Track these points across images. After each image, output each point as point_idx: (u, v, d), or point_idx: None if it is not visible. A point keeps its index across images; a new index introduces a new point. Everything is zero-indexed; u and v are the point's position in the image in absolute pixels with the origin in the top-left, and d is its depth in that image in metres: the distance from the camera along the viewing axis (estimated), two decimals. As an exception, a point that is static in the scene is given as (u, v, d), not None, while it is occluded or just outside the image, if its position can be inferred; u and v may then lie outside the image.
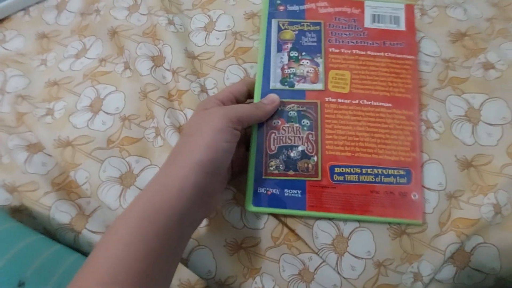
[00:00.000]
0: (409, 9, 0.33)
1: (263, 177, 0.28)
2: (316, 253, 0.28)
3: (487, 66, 0.33)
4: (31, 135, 0.33)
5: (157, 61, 0.35)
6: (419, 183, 0.28)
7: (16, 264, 0.24)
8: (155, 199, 0.21)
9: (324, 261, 0.28)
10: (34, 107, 0.34)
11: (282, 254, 0.29)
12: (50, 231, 0.30)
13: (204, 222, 0.30)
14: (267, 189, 0.28)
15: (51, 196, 0.30)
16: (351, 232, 0.28)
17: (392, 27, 0.32)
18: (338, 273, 0.28)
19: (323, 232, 0.29)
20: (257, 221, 0.29)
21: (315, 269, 0.28)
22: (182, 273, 0.29)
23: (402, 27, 0.32)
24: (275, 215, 0.29)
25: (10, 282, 0.23)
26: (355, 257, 0.28)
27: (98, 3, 0.39)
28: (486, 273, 0.28)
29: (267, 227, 0.29)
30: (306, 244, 0.29)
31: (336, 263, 0.28)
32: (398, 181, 0.28)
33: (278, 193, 0.28)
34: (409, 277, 0.28)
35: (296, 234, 0.29)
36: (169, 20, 0.36)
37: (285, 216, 0.29)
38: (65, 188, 0.31)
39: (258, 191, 0.28)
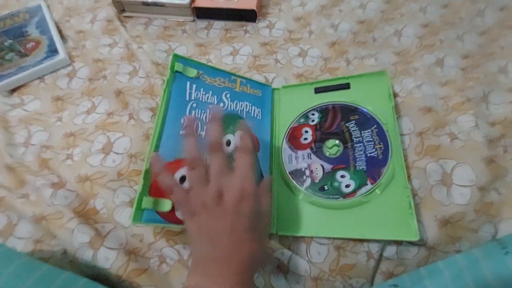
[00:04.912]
0: None
1: None
2: (288, 248, 0.36)
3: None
4: (53, 176, 0.40)
5: (155, 110, 0.45)
6: None
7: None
8: None
9: (293, 252, 0.36)
10: (56, 154, 0.42)
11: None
12: (70, 252, 0.36)
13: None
14: None
15: (74, 221, 0.37)
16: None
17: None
18: (308, 260, 0.35)
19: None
20: None
21: (287, 262, 0.35)
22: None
23: None
24: None
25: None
26: (319, 244, 0.36)
27: (105, 71, 0.50)
28: (419, 245, 0.36)
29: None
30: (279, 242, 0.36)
31: (306, 252, 0.36)
32: None
33: None
34: (363, 256, 0.35)
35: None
36: (163, 80, 0.47)
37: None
38: (84, 215, 0.38)
39: None
